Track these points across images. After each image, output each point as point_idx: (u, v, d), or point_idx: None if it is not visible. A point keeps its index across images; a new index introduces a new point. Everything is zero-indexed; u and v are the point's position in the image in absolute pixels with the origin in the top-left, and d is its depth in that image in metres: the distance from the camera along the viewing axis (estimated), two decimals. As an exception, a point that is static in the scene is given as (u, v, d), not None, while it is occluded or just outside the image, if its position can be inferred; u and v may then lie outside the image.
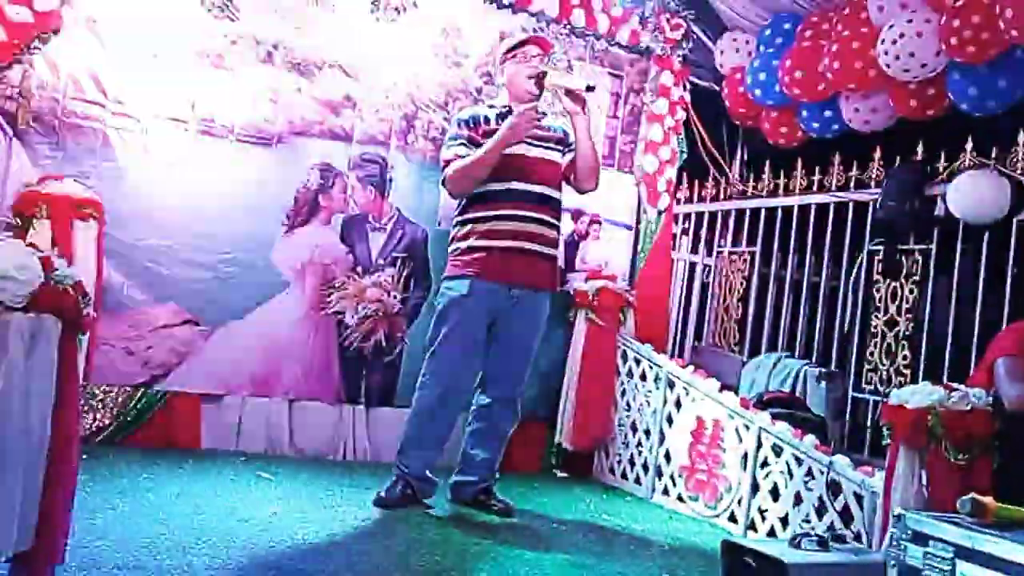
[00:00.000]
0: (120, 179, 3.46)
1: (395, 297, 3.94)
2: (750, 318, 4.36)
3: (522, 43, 3.14)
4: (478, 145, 3.02)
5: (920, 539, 1.98)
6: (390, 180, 3.96)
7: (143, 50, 3.48)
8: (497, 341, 3.11)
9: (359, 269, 3.88)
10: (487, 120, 3.09)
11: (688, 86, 4.62)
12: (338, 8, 3.83)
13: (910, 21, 3.33)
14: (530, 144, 3.08)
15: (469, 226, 3.08)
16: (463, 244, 3.08)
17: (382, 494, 3.02)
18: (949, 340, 3.37)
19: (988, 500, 1.99)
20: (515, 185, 3.04)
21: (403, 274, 3.96)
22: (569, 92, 3.03)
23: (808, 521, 2.94)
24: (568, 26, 4.28)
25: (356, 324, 3.86)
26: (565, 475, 4.04)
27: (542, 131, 3.12)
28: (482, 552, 2.59)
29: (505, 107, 3.13)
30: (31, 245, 3.19)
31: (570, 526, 3.08)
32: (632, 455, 3.86)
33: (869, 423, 3.58)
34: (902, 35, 3.34)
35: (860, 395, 3.68)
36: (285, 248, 3.74)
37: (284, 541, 2.44)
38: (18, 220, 3.17)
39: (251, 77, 3.66)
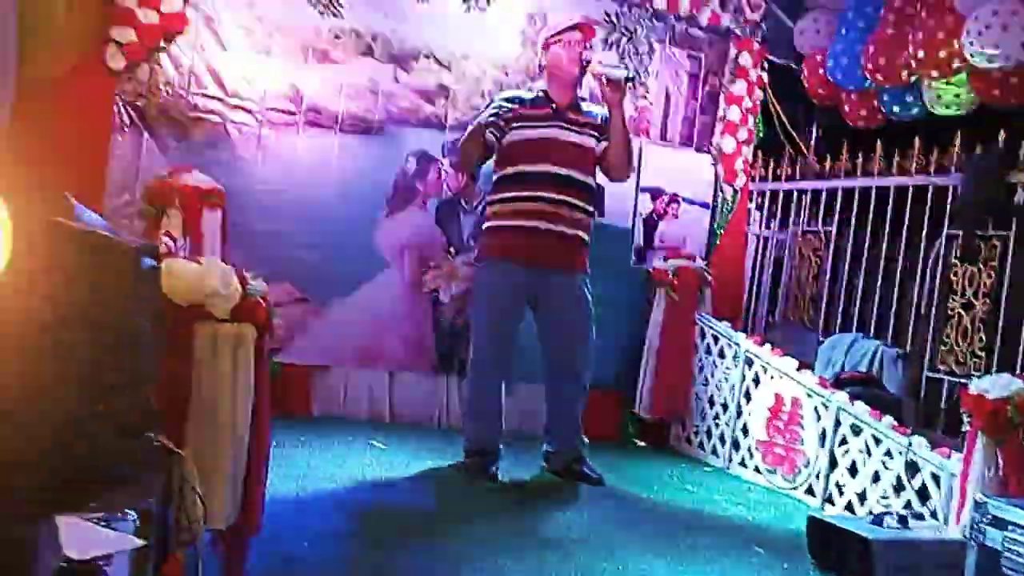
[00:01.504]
0: (237, 168, 3.73)
1: (484, 275, 4.17)
2: (824, 296, 4.50)
3: (567, 28, 3.24)
4: (499, 128, 3.16)
5: (1000, 524, 2.17)
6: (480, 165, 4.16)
7: (257, 47, 3.72)
8: (543, 324, 3.29)
9: (452, 249, 4.11)
10: (520, 101, 3.22)
11: (766, 65, 4.71)
12: (432, 1, 4.01)
13: (995, 13, 3.38)
14: (564, 128, 3.20)
15: (498, 206, 3.24)
16: (491, 223, 3.26)
17: (463, 466, 3.24)
18: (1025, 325, 3.49)
19: (1065, 488, 2.16)
20: (544, 167, 3.16)
21: (492, 253, 4.18)
22: (609, 81, 3.15)
23: (885, 498, 3.12)
24: (650, 9, 4.39)
25: (449, 301, 4.12)
26: (643, 444, 4.28)
27: (578, 116, 3.24)
28: (582, 522, 2.84)
29: (542, 91, 3.26)
30: (167, 233, 3.50)
31: (659, 496, 3.33)
32: (709, 427, 4.08)
33: (944, 403, 3.73)
34: (988, 27, 3.40)
35: (935, 375, 3.82)
36: (385, 231, 4.00)
37: (421, 508, 2.75)
38: (152, 209, 3.48)
39: (353, 70, 3.89)
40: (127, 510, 1.29)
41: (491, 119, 3.19)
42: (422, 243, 4.07)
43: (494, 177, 3.31)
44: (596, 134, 3.25)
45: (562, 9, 4.23)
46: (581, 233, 3.24)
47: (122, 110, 3.60)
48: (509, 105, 3.21)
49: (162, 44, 3.58)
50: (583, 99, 3.34)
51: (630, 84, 3.21)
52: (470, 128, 3.26)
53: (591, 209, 3.29)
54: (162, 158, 3.62)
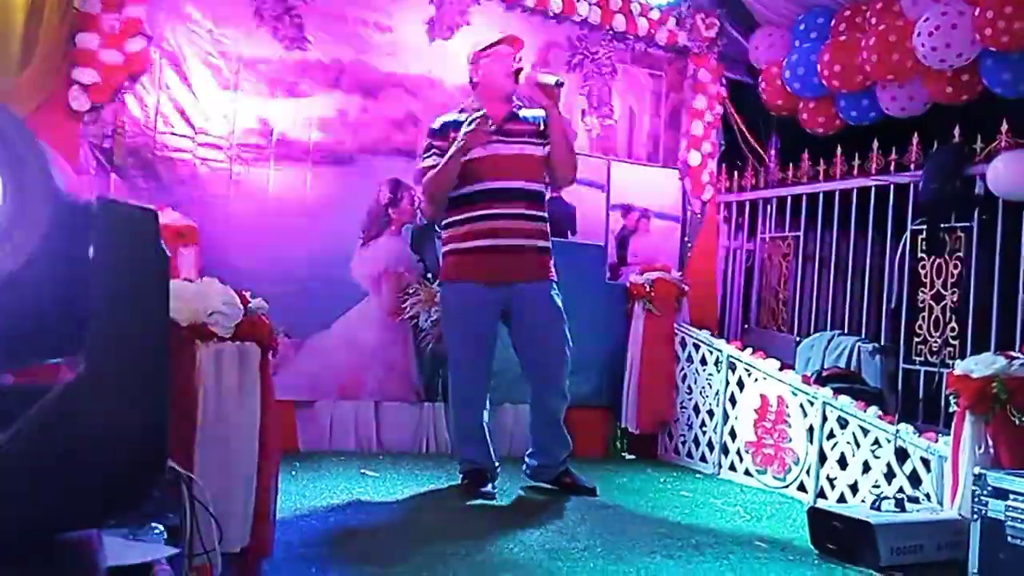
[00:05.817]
0: (209, 205, 3.69)
1: (463, 298, 4.16)
2: (797, 299, 4.59)
3: (496, 43, 3.24)
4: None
5: (1001, 494, 2.22)
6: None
7: (224, 83, 3.72)
8: (517, 337, 3.24)
9: (429, 275, 4.12)
10: (457, 125, 3.13)
11: (724, 81, 4.85)
12: (397, 30, 4.06)
13: (944, 14, 3.54)
14: (504, 142, 3.15)
15: (453, 229, 3.19)
16: (450, 247, 3.21)
17: (460, 487, 3.25)
18: (995, 311, 3.60)
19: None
20: (491, 184, 3.12)
21: (469, 276, 4.18)
22: (542, 87, 3.15)
23: (877, 486, 3.17)
24: (610, 31, 4.50)
25: (429, 326, 4.10)
26: (632, 457, 4.29)
27: (517, 125, 3.20)
28: (583, 531, 2.82)
29: (476, 108, 3.17)
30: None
31: (654, 503, 3.33)
32: (696, 435, 4.10)
33: (922, 392, 3.81)
34: (938, 27, 3.55)
35: (911, 367, 3.91)
36: (362, 260, 3.99)
37: (424, 529, 2.71)
38: (127, 249, 3.42)
39: (322, 101, 3.90)
40: (154, 524, 1.26)
41: (435, 155, 3.15)
42: (399, 270, 4.06)
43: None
44: (538, 140, 3.21)
45: (527, 35, 4.32)
46: (538, 242, 3.21)
47: (88, 152, 3.55)
48: (442, 134, 3.16)
49: (127, 84, 3.56)
50: (519, 107, 3.27)
51: (561, 87, 3.18)
52: (428, 176, 3.15)
53: (544, 215, 3.26)
54: (132, 199, 3.56)
